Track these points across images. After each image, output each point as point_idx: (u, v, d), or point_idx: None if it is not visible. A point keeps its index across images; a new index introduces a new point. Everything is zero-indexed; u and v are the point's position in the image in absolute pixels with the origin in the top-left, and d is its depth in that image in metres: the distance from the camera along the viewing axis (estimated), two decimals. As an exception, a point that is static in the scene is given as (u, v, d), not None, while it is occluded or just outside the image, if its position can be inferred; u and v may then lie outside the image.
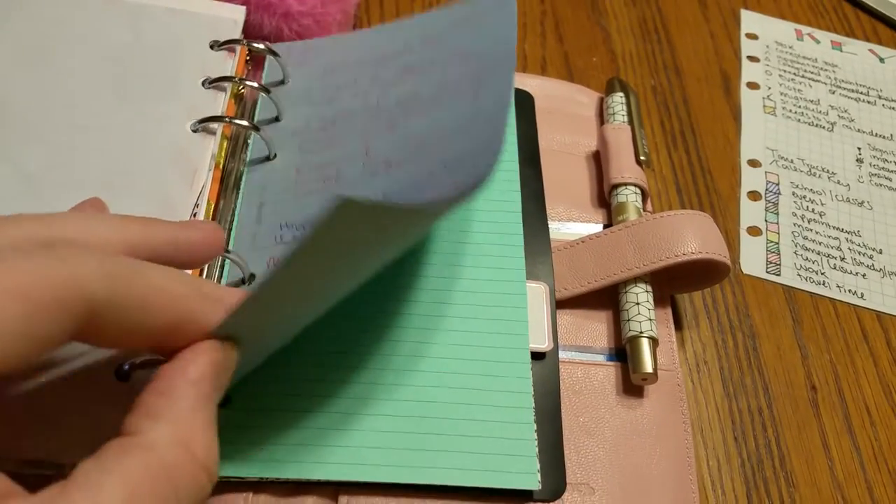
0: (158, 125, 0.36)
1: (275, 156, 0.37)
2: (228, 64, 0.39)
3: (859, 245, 0.44)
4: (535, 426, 0.32)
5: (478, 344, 0.33)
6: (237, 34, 0.40)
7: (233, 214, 0.36)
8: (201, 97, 0.37)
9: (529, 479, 0.30)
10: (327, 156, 0.37)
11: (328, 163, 0.37)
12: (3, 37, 0.36)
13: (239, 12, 0.41)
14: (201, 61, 0.38)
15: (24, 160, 0.33)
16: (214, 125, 0.36)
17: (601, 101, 0.46)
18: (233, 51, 0.39)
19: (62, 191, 0.32)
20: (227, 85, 0.38)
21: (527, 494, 0.31)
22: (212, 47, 0.39)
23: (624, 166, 0.41)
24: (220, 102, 0.37)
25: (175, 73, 0.37)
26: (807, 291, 0.42)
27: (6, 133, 0.33)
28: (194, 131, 0.36)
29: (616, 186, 0.41)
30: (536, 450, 0.31)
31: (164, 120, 0.36)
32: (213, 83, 0.38)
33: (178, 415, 0.21)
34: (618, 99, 0.45)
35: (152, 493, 0.19)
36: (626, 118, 0.44)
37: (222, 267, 0.33)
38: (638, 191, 0.40)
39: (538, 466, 0.31)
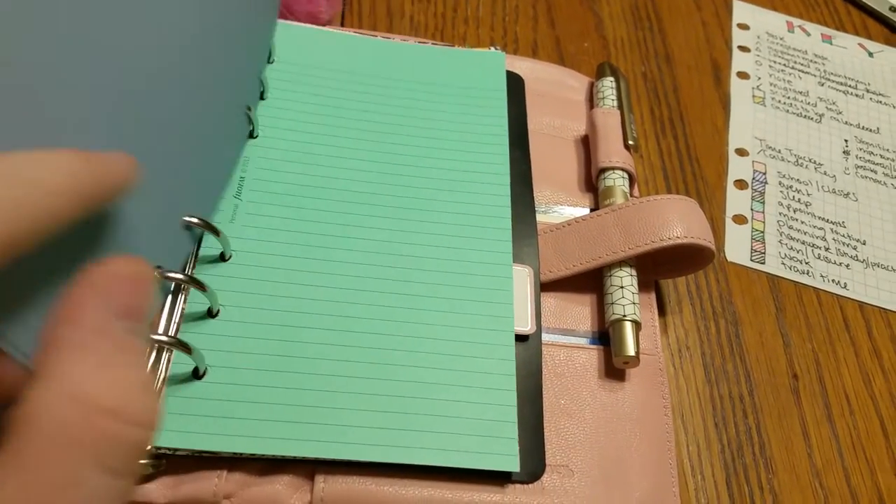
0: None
1: (257, 134, 0.37)
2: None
3: (844, 236, 0.44)
4: (516, 408, 0.32)
5: (462, 325, 0.33)
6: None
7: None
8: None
9: (509, 460, 0.30)
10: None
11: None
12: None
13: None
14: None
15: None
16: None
17: (591, 85, 0.46)
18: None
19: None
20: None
21: (505, 476, 0.31)
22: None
23: (612, 150, 0.41)
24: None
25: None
26: (791, 280, 0.42)
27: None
28: None
29: (604, 170, 0.40)
30: (517, 432, 0.31)
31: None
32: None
33: (59, 366, 0.17)
34: (608, 83, 0.44)
35: (47, 472, 0.16)
36: (615, 103, 0.43)
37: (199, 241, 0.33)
38: (625, 175, 0.40)
39: (518, 448, 0.31)
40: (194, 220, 0.31)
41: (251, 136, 0.37)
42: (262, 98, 0.38)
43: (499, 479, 0.31)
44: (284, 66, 0.40)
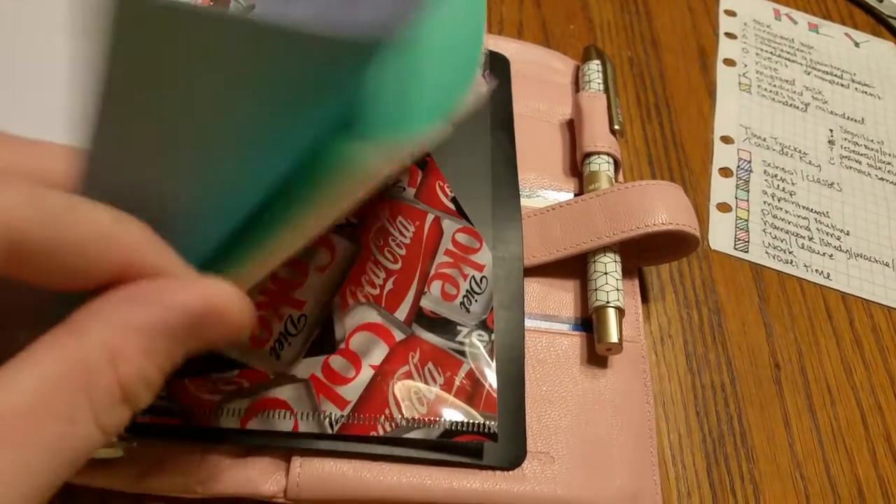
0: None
1: None
2: None
3: (828, 226, 0.44)
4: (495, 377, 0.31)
5: None
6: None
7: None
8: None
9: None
10: None
11: None
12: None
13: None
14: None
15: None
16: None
17: (577, 68, 0.45)
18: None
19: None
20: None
21: (491, 436, 0.30)
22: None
23: (597, 134, 0.40)
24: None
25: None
26: (774, 269, 0.42)
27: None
28: None
29: (589, 155, 0.40)
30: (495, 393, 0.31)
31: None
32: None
33: (121, 324, 0.18)
34: (594, 67, 0.44)
35: (66, 383, 0.17)
36: (601, 86, 0.43)
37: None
38: (610, 160, 0.40)
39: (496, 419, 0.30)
40: None
41: None
42: None
43: (480, 463, 0.30)
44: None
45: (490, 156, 0.38)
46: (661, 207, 0.36)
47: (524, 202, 0.38)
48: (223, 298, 0.20)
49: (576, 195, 0.40)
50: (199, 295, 0.20)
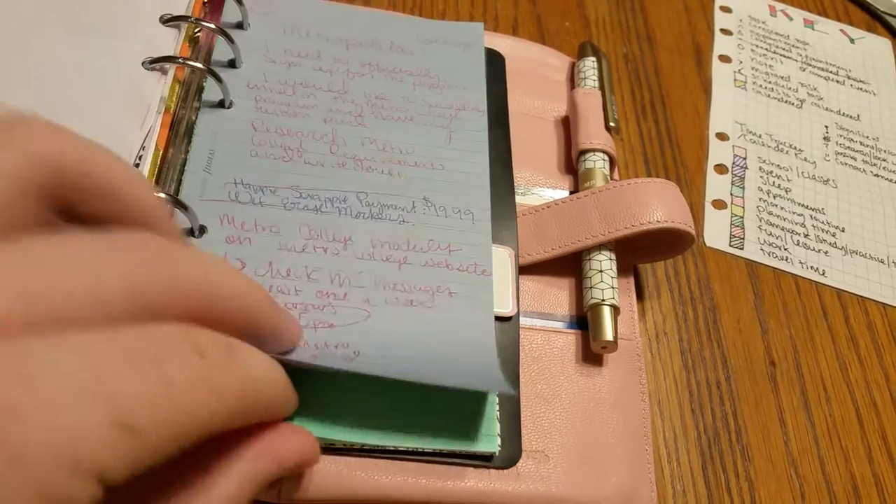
0: (111, 58, 0.33)
1: (230, 104, 0.36)
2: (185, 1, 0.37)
3: (823, 223, 0.44)
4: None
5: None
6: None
7: (183, 164, 0.34)
8: (158, 34, 0.35)
9: (488, 441, 0.30)
10: (289, 124, 0.36)
11: (290, 132, 0.36)
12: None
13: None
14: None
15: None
16: (168, 66, 0.34)
17: (572, 65, 0.45)
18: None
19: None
20: (184, 25, 0.36)
21: (485, 458, 0.30)
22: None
23: (593, 132, 0.40)
24: (176, 42, 0.35)
25: (134, 5, 0.35)
26: (769, 266, 0.42)
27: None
28: (148, 69, 0.34)
29: (584, 152, 0.40)
30: (497, 411, 0.30)
31: (117, 53, 0.33)
32: (172, 21, 0.36)
33: (245, 478, 0.21)
34: (589, 63, 0.44)
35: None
36: (596, 83, 0.43)
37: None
38: (606, 157, 0.39)
39: (499, 429, 0.30)
40: (161, 195, 0.29)
41: (222, 105, 0.36)
42: (234, 67, 0.37)
43: (475, 463, 0.30)
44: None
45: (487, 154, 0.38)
46: (656, 205, 0.36)
47: (519, 199, 0.38)
48: (314, 456, 0.25)
49: (571, 192, 0.40)
50: (300, 452, 0.24)
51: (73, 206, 0.20)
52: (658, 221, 0.35)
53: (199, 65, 0.35)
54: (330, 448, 0.29)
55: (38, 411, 0.14)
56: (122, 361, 0.16)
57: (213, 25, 0.36)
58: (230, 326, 0.20)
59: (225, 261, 0.24)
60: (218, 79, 0.35)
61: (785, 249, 0.42)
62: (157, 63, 0.34)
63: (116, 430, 0.15)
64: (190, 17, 0.36)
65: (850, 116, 0.50)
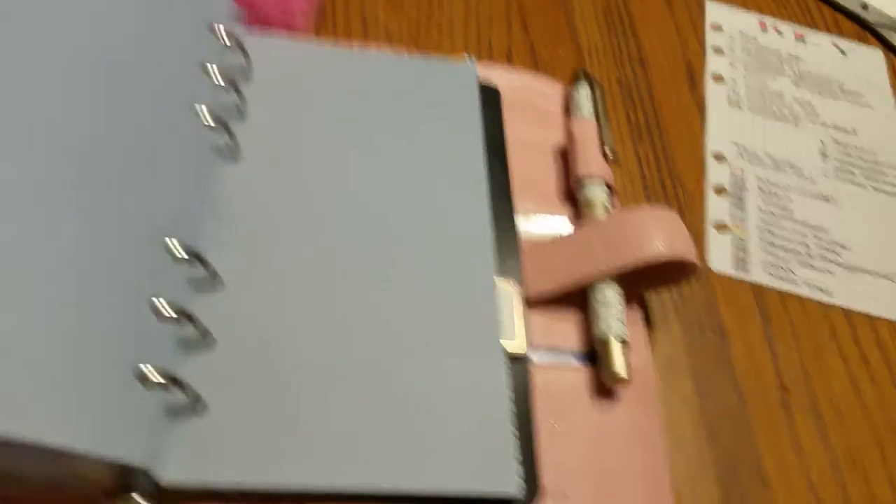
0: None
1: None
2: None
3: (826, 241, 0.44)
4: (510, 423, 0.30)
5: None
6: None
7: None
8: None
9: (508, 481, 0.29)
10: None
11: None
12: None
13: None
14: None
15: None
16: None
17: (566, 93, 0.45)
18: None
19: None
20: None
21: (505, 503, 0.29)
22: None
23: (590, 161, 0.40)
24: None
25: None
26: (775, 289, 0.41)
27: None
28: None
29: (583, 182, 0.40)
30: (514, 447, 0.30)
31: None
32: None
33: None
34: (583, 92, 0.43)
35: None
36: (591, 112, 0.43)
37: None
38: (605, 186, 0.39)
39: (517, 469, 0.30)
40: (177, 247, 0.29)
41: (232, 156, 0.35)
42: (241, 117, 0.37)
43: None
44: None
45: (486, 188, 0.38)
46: (657, 236, 0.35)
47: (521, 231, 0.38)
48: None
49: (571, 220, 0.40)
50: None
51: None
52: (660, 253, 0.35)
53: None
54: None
55: None
56: None
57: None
58: None
59: None
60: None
61: (790, 271, 0.42)
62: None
63: None
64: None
65: (846, 130, 0.50)
